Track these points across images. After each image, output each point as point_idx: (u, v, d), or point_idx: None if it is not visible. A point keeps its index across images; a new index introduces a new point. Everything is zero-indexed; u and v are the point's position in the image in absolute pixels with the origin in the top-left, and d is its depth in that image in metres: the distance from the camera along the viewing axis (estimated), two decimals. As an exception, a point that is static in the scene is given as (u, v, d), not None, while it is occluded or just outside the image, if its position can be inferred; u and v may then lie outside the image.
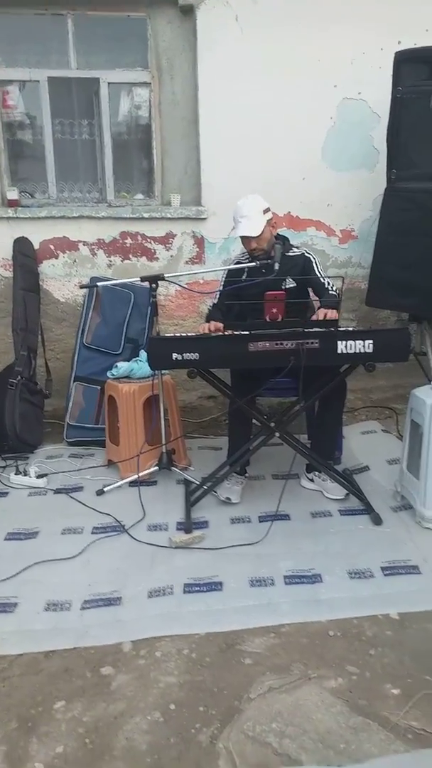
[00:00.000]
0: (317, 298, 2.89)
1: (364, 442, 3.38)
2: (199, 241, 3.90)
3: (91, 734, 1.62)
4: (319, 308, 2.69)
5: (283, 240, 2.94)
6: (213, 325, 2.57)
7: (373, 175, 3.78)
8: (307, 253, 2.95)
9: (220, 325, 2.56)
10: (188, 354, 2.41)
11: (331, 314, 2.53)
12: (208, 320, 2.81)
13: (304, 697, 1.66)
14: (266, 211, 2.81)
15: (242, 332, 2.44)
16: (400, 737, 1.51)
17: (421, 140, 3.16)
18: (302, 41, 3.64)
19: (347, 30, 3.62)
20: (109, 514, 2.72)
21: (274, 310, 2.40)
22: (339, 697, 1.66)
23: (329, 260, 3.99)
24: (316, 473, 2.87)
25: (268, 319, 2.42)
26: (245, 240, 2.83)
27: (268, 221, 2.81)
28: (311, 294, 2.97)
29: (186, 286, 3.61)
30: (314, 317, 2.61)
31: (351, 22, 3.61)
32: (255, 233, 2.75)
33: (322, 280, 2.84)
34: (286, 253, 2.90)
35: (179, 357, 2.41)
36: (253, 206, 2.78)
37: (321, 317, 2.55)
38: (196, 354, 2.41)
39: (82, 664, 1.87)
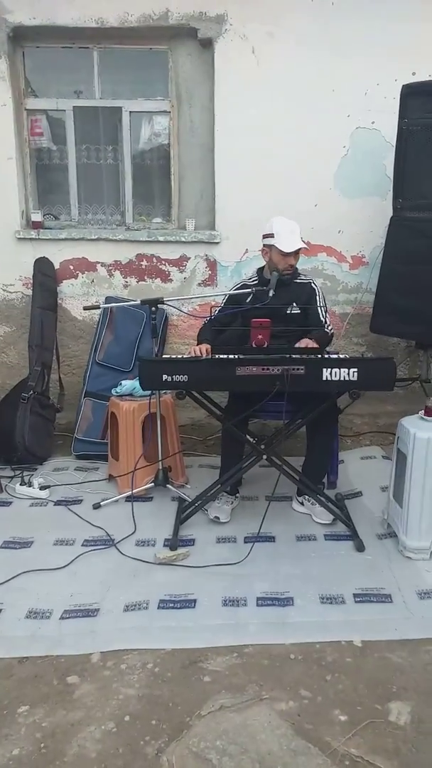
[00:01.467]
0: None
1: (361, 468, 3.38)
2: (212, 264, 4.01)
3: (47, 739, 1.70)
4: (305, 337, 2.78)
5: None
6: (202, 348, 2.65)
7: (384, 203, 3.80)
8: (314, 284, 3.01)
9: (209, 347, 2.64)
10: (178, 376, 2.50)
11: (310, 343, 2.63)
12: (199, 336, 2.89)
13: (253, 717, 1.71)
14: None
15: (230, 356, 2.51)
16: (337, 763, 1.54)
17: (426, 171, 3.21)
18: (317, 72, 3.73)
19: (362, 61, 3.69)
20: (101, 528, 2.82)
21: (260, 337, 2.47)
22: (286, 720, 1.69)
23: (339, 286, 4.04)
24: (306, 497, 2.90)
25: (254, 345, 2.49)
26: (286, 256, 2.85)
27: None
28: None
29: (186, 311, 3.77)
30: (298, 344, 2.68)
31: (365, 54, 3.68)
32: (305, 247, 2.87)
33: (320, 315, 2.92)
34: (294, 280, 2.97)
35: (169, 378, 2.50)
36: (298, 228, 2.88)
37: (303, 345, 2.64)
38: (185, 376, 2.49)
39: (51, 672, 1.96)
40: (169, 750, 1.62)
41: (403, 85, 3.21)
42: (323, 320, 2.89)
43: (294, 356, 2.47)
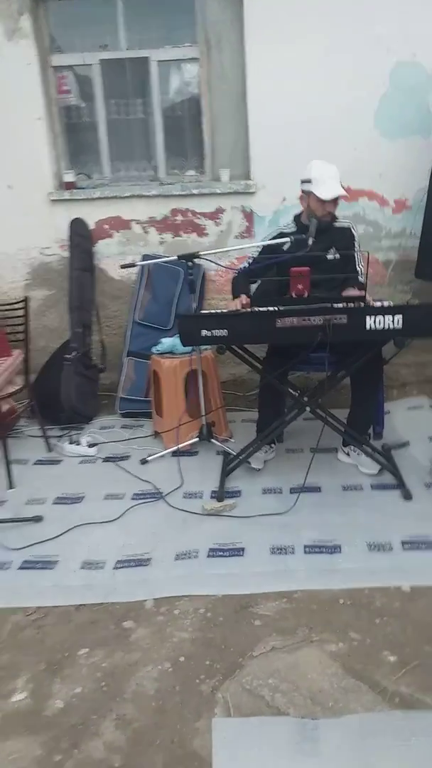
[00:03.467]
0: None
1: (408, 418, 3.34)
2: (248, 216, 3.93)
3: (107, 678, 1.79)
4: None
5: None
6: (240, 301, 2.62)
7: (428, 143, 3.63)
8: (353, 229, 2.92)
9: (247, 300, 2.61)
10: (217, 330, 2.49)
11: (354, 291, 2.56)
12: (234, 287, 2.85)
13: (304, 657, 1.75)
14: None
15: (270, 308, 2.48)
16: (387, 700, 1.57)
17: (471, 103, 3.03)
18: (352, 3, 3.53)
19: (400, -13, 3.48)
20: (149, 482, 2.89)
21: (300, 286, 2.42)
22: (336, 660, 1.74)
23: (382, 231, 3.90)
24: (352, 447, 2.89)
25: (294, 296, 2.45)
26: (325, 203, 2.76)
27: None
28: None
29: (223, 265, 3.68)
30: (345, 293, 2.62)
31: (404, -21, 3.46)
32: (345, 195, 2.77)
33: (357, 264, 2.85)
34: (333, 224, 2.89)
35: (209, 334, 2.49)
36: (337, 173, 2.78)
37: (351, 294, 2.59)
38: (225, 330, 2.48)
39: (108, 618, 2.05)
40: (223, 687, 1.69)
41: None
42: (359, 269, 2.82)
43: (336, 305, 2.42)
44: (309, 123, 3.67)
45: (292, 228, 2.92)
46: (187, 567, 2.26)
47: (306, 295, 2.45)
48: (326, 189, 2.73)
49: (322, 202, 2.75)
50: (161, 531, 2.50)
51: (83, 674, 1.81)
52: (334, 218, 2.89)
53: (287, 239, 2.81)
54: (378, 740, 1.36)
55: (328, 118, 3.66)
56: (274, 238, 2.91)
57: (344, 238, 2.87)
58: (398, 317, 2.38)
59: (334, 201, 2.79)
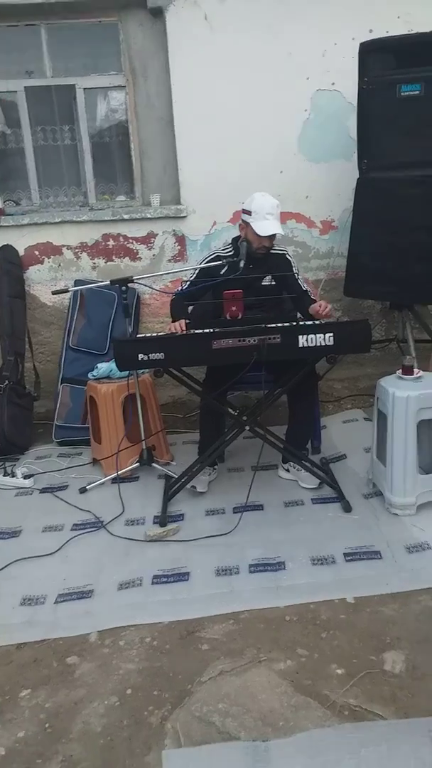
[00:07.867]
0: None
1: (344, 431, 3.41)
2: (180, 240, 3.97)
3: (51, 719, 1.71)
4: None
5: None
6: (178, 325, 2.62)
7: (350, 165, 3.77)
8: (288, 255, 2.95)
9: (184, 323, 2.62)
10: (154, 354, 2.48)
11: (326, 306, 2.67)
12: (173, 313, 2.86)
13: (252, 678, 1.74)
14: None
15: (205, 330, 2.50)
16: (337, 714, 1.58)
17: (388, 130, 3.20)
18: (272, 36, 3.67)
19: (317, 21, 3.65)
20: (89, 511, 2.81)
21: (234, 308, 2.46)
22: (285, 678, 1.73)
23: (311, 252, 4.03)
24: (291, 463, 2.92)
25: (228, 317, 2.48)
26: (261, 238, 2.77)
27: None
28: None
29: (157, 289, 3.71)
30: (313, 312, 2.70)
31: (320, 13, 3.64)
32: (281, 234, 2.81)
33: (301, 285, 2.89)
34: (270, 251, 2.93)
35: (145, 357, 2.48)
36: (277, 208, 2.80)
37: (322, 311, 2.66)
38: (161, 354, 2.48)
39: (50, 655, 1.96)
40: (172, 717, 1.65)
41: (361, 44, 3.18)
42: (304, 289, 2.88)
43: (269, 325, 2.46)
44: (236, 148, 3.77)
45: (230, 251, 2.94)
46: (131, 596, 2.20)
47: (240, 316, 2.48)
48: (263, 226, 2.73)
49: (258, 236, 2.78)
50: (103, 561, 2.44)
51: (26, 717, 1.73)
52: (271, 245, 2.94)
53: (221, 262, 2.83)
54: (329, 756, 1.36)
55: (254, 143, 3.77)
56: (210, 260, 2.92)
57: (279, 265, 2.90)
58: (329, 335, 2.45)
59: (271, 237, 2.80)
